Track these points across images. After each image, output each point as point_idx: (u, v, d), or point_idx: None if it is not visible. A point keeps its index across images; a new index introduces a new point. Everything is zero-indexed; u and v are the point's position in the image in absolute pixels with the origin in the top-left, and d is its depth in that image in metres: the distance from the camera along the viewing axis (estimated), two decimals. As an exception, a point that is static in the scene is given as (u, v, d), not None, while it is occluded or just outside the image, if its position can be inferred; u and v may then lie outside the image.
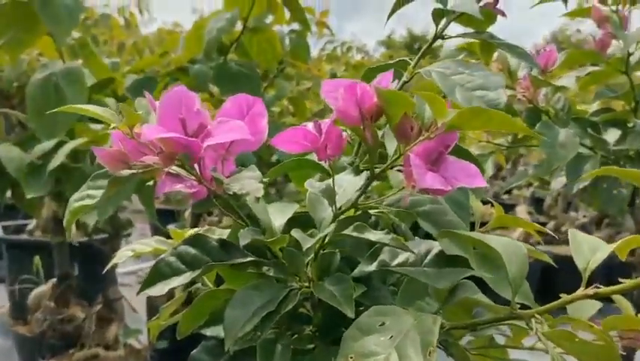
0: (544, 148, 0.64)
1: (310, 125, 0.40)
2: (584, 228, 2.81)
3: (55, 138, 1.14)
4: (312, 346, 0.42)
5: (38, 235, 1.91)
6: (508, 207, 2.71)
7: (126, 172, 0.37)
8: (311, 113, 1.87)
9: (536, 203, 3.37)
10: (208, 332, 0.46)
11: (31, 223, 1.94)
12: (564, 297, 0.31)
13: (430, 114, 0.36)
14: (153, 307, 1.77)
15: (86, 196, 0.37)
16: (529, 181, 3.02)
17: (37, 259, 1.63)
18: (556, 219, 3.19)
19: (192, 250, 0.43)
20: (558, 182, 0.74)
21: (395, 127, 0.36)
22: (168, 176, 0.40)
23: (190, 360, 0.46)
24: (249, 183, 0.37)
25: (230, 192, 0.37)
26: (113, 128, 0.38)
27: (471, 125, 0.35)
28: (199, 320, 0.47)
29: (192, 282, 0.56)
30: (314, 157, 0.49)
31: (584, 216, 3.19)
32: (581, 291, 0.29)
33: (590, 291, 0.28)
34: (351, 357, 0.34)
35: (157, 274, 0.42)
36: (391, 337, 0.34)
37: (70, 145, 1.11)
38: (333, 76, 2.37)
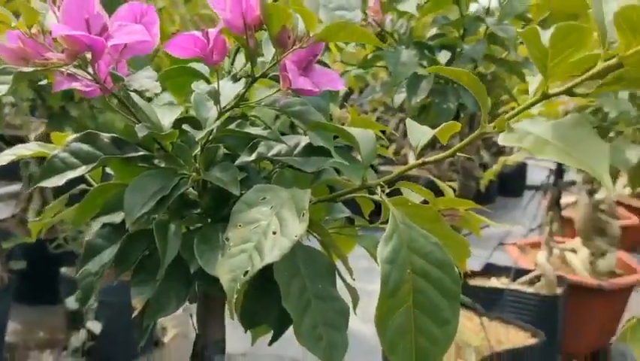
0: (390, 66, 0.75)
1: (198, 33, 0.46)
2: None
3: None
4: (199, 225, 0.50)
5: None
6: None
7: (28, 68, 0.40)
8: (166, 34, 1.85)
9: (380, 127, 3.64)
10: (103, 220, 0.51)
11: None
12: (400, 168, 0.41)
13: (302, 27, 0.44)
14: (3, 230, 1.70)
15: (-11, 91, 0.40)
16: (375, 106, 3.26)
17: None
18: (397, 143, 3.49)
19: (85, 146, 0.48)
20: (399, 97, 0.87)
21: (275, 36, 0.43)
22: (66, 75, 0.44)
23: (86, 246, 0.51)
24: (147, 81, 0.43)
25: (131, 89, 0.42)
26: (13, 27, 0.41)
27: (337, 37, 0.44)
28: (92, 211, 0.52)
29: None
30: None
31: (421, 140, 3.48)
32: (414, 161, 0.40)
33: (420, 160, 0.39)
34: (240, 225, 0.42)
35: (51, 169, 0.46)
36: (272, 207, 0.42)
37: None
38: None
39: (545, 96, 0.35)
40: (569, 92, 0.34)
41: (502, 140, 0.33)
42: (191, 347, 0.56)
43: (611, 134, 1.47)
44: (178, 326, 1.50)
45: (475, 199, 0.96)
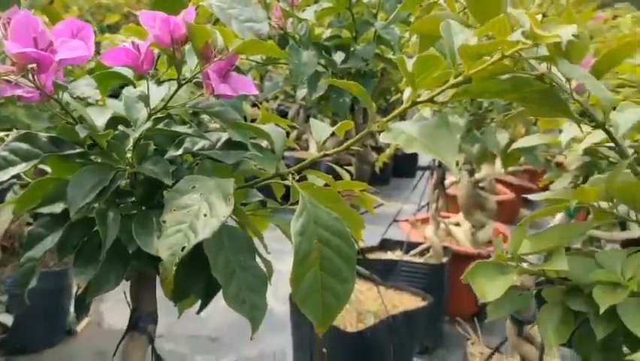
0: (293, 66, 0.85)
1: (129, 45, 0.53)
2: (320, 134, 3.22)
3: None
4: (134, 212, 0.57)
5: None
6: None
7: (-21, 79, 0.45)
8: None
9: (281, 114, 3.75)
10: (44, 210, 0.56)
11: None
12: (308, 158, 0.51)
13: (222, 42, 0.52)
14: None
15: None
16: (276, 95, 3.35)
17: None
18: (298, 129, 3.61)
19: (24, 145, 0.53)
20: (301, 92, 0.97)
21: (199, 51, 0.51)
22: (11, 84, 0.49)
23: (29, 235, 0.57)
24: (88, 89, 0.49)
25: (74, 96, 0.48)
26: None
27: (250, 50, 0.53)
28: (31, 203, 0.57)
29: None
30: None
31: (320, 125, 3.62)
32: (317, 153, 0.50)
33: (322, 153, 0.49)
34: (174, 210, 0.50)
35: (-8, 166, 0.52)
36: (201, 194, 0.51)
37: None
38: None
39: (414, 103, 0.46)
40: (431, 101, 0.45)
41: (382, 138, 0.43)
42: (104, 334, 0.63)
43: (487, 121, 1.66)
44: (90, 314, 1.52)
45: (371, 181, 1.09)
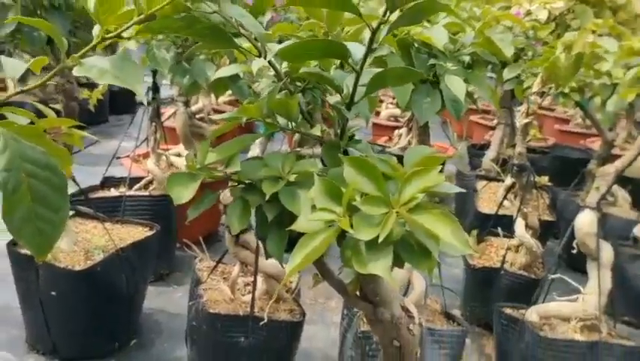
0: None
1: None
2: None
3: None
4: None
5: None
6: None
7: None
8: None
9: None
10: None
11: None
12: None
13: None
14: None
15: None
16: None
17: None
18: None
19: None
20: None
21: None
22: None
23: None
24: None
25: None
26: None
27: None
28: None
29: None
30: None
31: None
32: (14, 91, 0.52)
33: (19, 90, 0.51)
34: None
35: None
36: None
37: None
38: None
39: (104, 39, 0.51)
40: (119, 36, 0.51)
41: (75, 72, 0.47)
42: None
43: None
44: None
45: (89, 120, 1.08)
